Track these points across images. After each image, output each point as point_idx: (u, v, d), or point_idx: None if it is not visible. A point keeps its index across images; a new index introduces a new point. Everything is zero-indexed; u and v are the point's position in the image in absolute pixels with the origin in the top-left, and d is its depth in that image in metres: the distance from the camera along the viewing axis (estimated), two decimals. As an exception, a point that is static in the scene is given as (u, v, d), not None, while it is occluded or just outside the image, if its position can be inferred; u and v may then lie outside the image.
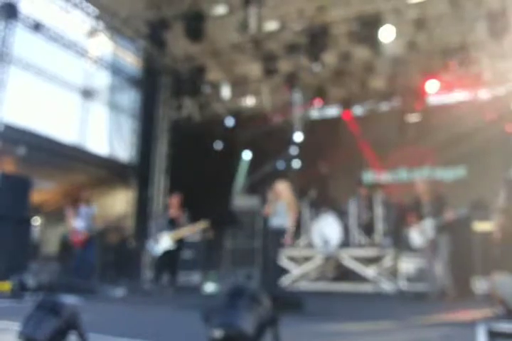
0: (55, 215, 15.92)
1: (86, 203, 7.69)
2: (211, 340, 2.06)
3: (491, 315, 4.21)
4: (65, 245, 13.11)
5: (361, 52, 9.94)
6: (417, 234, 6.71)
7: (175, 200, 7.75)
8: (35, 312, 2.39)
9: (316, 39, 8.58)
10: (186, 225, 7.51)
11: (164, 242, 7.32)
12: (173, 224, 7.50)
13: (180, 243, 7.49)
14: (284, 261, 8.28)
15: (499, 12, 7.73)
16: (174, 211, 7.68)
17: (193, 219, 7.83)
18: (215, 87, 12.14)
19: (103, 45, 13.57)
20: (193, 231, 7.64)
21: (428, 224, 6.57)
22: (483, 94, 9.81)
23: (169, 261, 7.41)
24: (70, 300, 2.58)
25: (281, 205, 6.53)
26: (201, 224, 7.53)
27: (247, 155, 13.78)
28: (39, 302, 2.45)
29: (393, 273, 7.89)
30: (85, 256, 7.46)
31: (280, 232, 6.48)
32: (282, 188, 6.59)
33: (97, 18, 10.52)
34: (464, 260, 6.97)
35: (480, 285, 6.87)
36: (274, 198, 6.54)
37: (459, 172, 11.85)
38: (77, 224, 7.40)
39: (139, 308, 5.43)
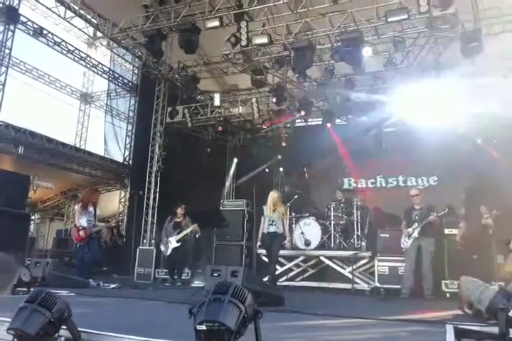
0: (50, 212, 15.70)
1: (93, 204, 7.86)
2: (197, 333, 2.03)
3: (459, 315, 4.23)
4: (60, 241, 12.95)
5: (343, 68, 10.00)
6: (405, 237, 6.82)
7: (180, 209, 8.59)
8: (25, 306, 2.29)
9: (302, 54, 8.60)
10: (188, 226, 8.42)
11: (172, 243, 8.32)
12: (177, 227, 8.45)
13: (183, 242, 8.40)
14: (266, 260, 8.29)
15: (473, 33, 7.81)
16: (179, 218, 8.58)
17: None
18: (207, 95, 12.10)
19: (102, 52, 13.47)
20: (191, 231, 8.43)
21: (415, 228, 6.70)
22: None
23: (176, 258, 8.43)
24: (61, 294, 2.50)
25: (277, 215, 7.27)
26: (194, 226, 8.39)
27: (235, 160, 13.74)
28: (30, 296, 2.35)
29: (369, 273, 7.90)
30: (89, 251, 7.61)
31: (278, 237, 7.27)
32: (276, 199, 7.40)
33: (97, 26, 10.41)
34: (437, 262, 7.04)
35: (449, 286, 6.92)
36: (270, 210, 7.28)
37: (430, 182, 11.95)
38: (83, 222, 7.57)
39: (131, 303, 5.33)
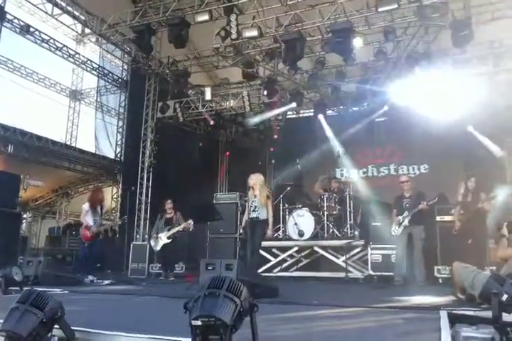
0: (42, 210, 15.56)
1: (100, 203, 8.02)
2: (193, 328, 1.99)
3: (452, 301, 4.23)
4: (53, 238, 12.84)
5: (334, 59, 9.94)
6: (395, 225, 6.82)
7: (169, 204, 8.53)
8: (17, 306, 2.22)
9: (292, 46, 8.52)
10: (180, 223, 8.30)
11: (162, 240, 8.27)
12: (168, 224, 8.38)
13: (174, 239, 8.32)
14: (263, 251, 8.26)
15: (463, 22, 7.75)
16: (169, 213, 8.51)
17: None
18: (198, 89, 11.99)
19: (91, 49, 13.28)
20: (183, 228, 8.33)
21: (406, 217, 6.70)
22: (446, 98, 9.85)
23: (166, 254, 8.41)
24: (54, 293, 2.43)
25: (258, 200, 6.59)
26: (186, 224, 8.25)
27: (227, 153, 13.69)
28: (21, 297, 2.29)
29: (362, 262, 7.92)
30: (93, 249, 7.66)
31: (259, 223, 6.52)
32: (255, 182, 6.63)
33: (85, 23, 10.22)
34: (429, 248, 7.06)
35: (441, 272, 6.96)
36: (252, 195, 6.62)
37: (421, 170, 11.99)
38: (90, 221, 7.68)
39: (125, 299, 5.28)
